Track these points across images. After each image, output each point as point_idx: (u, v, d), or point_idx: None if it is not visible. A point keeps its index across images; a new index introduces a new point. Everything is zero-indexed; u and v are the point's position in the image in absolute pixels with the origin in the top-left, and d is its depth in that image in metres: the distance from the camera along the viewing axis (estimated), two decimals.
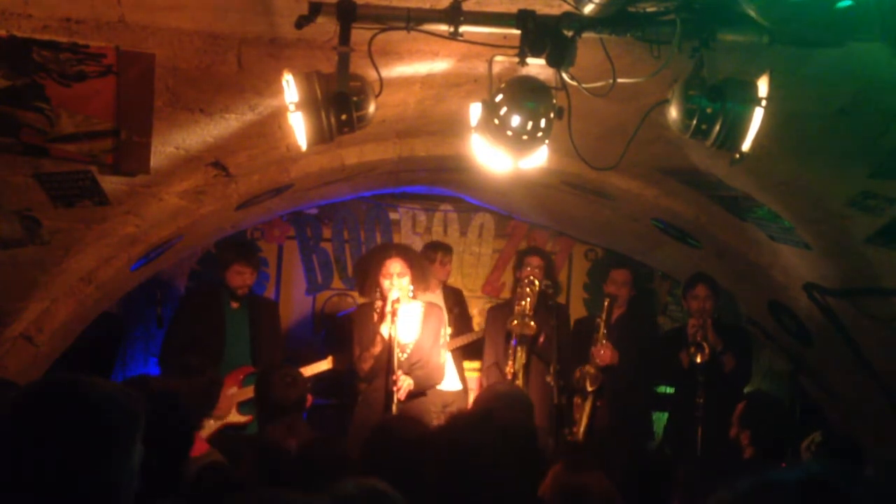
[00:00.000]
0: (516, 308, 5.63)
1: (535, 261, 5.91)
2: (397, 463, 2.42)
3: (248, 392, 5.52)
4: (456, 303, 6.50)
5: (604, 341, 5.66)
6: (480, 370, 6.16)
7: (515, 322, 5.55)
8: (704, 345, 5.39)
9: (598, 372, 5.61)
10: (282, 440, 3.57)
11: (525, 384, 5.53)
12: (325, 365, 5.91)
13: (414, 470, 2.27)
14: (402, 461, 2.44)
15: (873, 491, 1.13)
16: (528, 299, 5.63)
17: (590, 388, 5.61)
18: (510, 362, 5.53)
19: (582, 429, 5.65)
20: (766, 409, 4.27)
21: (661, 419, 6.35)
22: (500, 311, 6.05)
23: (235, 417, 5.52)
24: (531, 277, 5.69)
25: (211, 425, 5.29)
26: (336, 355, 6.00)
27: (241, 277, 5.76)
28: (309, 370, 5.80)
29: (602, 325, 5.70)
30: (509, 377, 5.46)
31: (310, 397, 4.42)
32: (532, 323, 5.54)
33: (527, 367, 5.60)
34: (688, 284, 5.77)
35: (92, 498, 1.57)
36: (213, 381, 5.33)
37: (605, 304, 5.74)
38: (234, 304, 5.84)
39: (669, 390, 6.26)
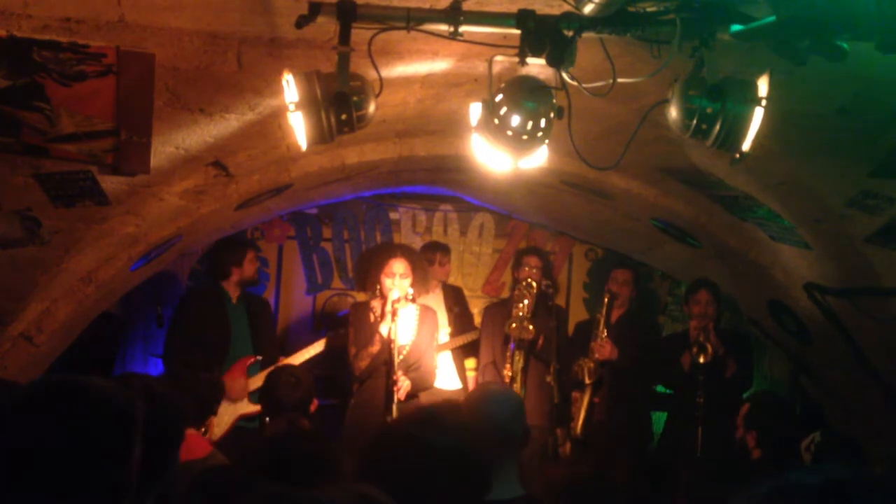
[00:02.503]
0: (514, 311, 5.58)
1: (532, 261, 5.87)
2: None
3: (256, 381, 5.58)
4: (456, 301, 6.49)
5: (603, 336, 5.65)
6: (476, 369, 6.15)
7: (514, 325, 5.51)
8: (707, 345, 5.38)
9: (597, 366, 5.60)
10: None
11: (523, 386, 5.51)
12: (317, 348, 5.97)
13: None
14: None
15: (892, 494, 1.12)
16: (527, 301, 5.58)
17: (587, 381, 5.60)
18: (507, 365, 5.51)
19: (580, 424, 5.64)
20: (772, 409, 4.23)
21: (661, 419, 6.35)
22: (497, 310, 6.03)
23: (248, 407, 5.60)
24: (529, 280, 5.65)
25: (228, 411, 5.45)
26: (328, 336, 6.05)
27: (254, 266, 5.98)
28: (301, 355, 5.89)
29: (602, 320, 5.69)
30: (507, 380, 5.43)
31: (315, 401, 4.42)
32: (531, 327, 5.50)
33: (525, 370, 5.58)
34: (690, 289, 5.77)
35: (91, 499, 1.57)
36: (216, 380, 5.38)
37: (606, 300, 5.74)
38: (234, 301, 5.93)
39: (670, 390, 6.26)
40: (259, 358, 5.76)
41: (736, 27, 2.84)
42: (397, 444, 2.28)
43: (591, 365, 5.61)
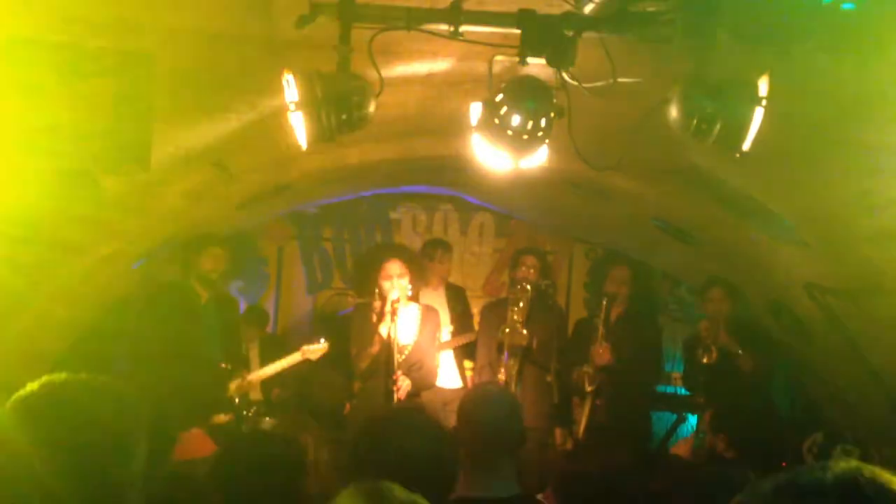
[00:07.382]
0: (509, 315, 5.54)
1: (529, 260, 5.81)
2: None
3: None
4: (458, 301, 6.49)
5: (602, 342, 5.62)
6: (473, 370, 6.14)
7: (507, 331, 5.48)
8: (712, 348, 5.35)
9: (597, 372, 5.57)
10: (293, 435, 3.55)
11: (518, 387, 5.49)
12: (295, 357, 5.80)
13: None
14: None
15: None
16: (522, 304, 5.54)
17: (588, 389, 5.58)
18: (501, 370, 5.48)
19: (581, 428, 5.63)
20: (735, 412, 4.27)
21: (661, 419, 6.35)
22: (495, 310, 5.99)
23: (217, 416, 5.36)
24: (523, 283, 5.61)
25: None
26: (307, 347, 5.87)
27: (214, 261, 5.52)
28: (276, 366, 5.76)
29: (601, 325, 5.66)
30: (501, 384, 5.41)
31: (348, 405, 4.33)
32: (524, 331, 5.46)
33: (520, 374, 5.55)
34: (703, 288, 5.70)
35: (99, 499, 1.57)
36: (223, 374, 5.27)
37: (604, 303, 5.71)
38: (204, 300, 5.59)
39: (670, 389, 6.26)
40: (227, 367, 5.48)
41: None
42: (365, 443, 2.31)
43: (591, 371, 5.57)
